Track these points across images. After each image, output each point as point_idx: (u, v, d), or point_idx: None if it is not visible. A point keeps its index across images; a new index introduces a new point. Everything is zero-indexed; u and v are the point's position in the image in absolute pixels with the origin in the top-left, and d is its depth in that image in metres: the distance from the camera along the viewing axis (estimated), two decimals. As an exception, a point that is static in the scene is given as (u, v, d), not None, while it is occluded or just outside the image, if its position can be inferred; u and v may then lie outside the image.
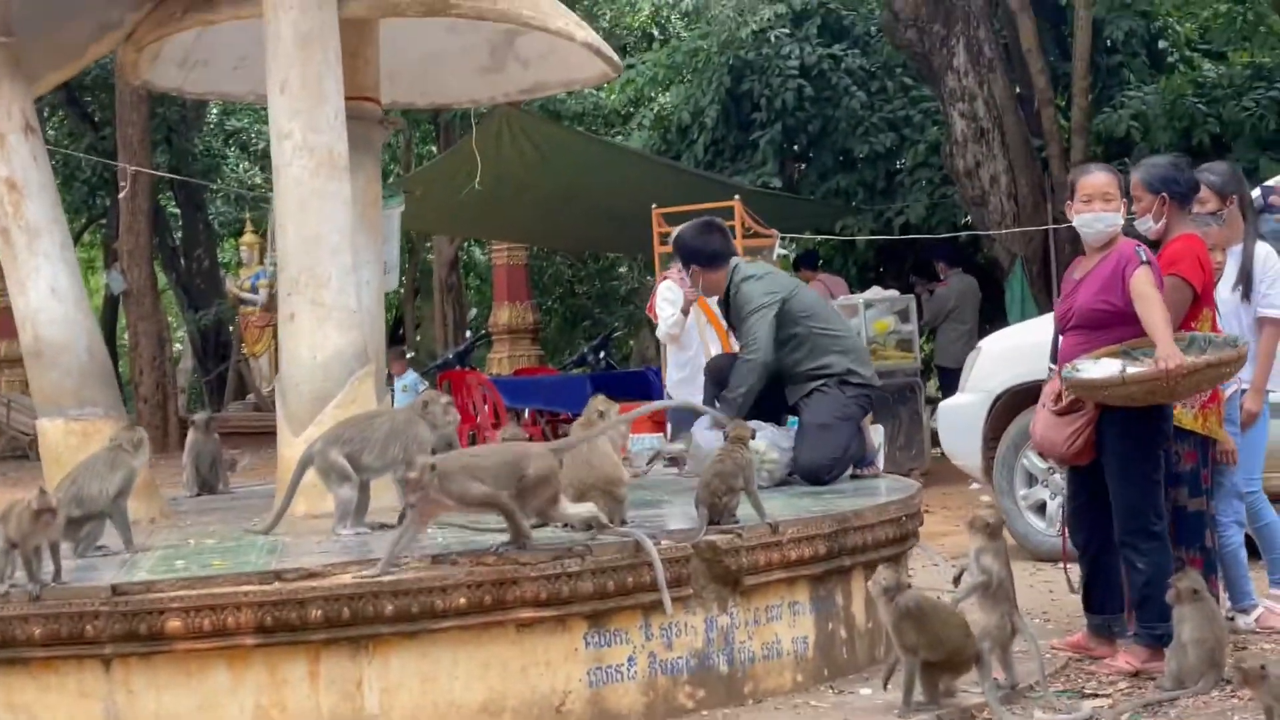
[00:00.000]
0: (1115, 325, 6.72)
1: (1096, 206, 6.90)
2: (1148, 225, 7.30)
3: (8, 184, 7.79)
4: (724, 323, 8.96)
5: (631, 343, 28.75)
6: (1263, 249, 7.72)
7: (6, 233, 7.82)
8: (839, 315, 8.74)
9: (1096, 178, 7.01)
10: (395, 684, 5.67)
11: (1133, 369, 6.55)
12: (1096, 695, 6.38)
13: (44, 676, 5.57)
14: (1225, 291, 7.64)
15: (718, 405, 8.14)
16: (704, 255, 8.50)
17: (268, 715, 5.60)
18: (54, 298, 7.82)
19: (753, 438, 6.85)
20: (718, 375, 8.69)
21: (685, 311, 10.73)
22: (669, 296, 10.95)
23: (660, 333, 11.18)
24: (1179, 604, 6.38)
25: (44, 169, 7.93)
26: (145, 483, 7.94)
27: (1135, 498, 6.73)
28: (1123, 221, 6.90)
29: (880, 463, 8.51)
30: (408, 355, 19.58)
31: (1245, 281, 7.66)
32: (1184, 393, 6.65)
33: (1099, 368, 6.66)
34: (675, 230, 8.80)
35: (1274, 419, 7.95)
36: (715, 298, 8.94)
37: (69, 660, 5.55)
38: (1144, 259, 6.67)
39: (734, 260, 8.55)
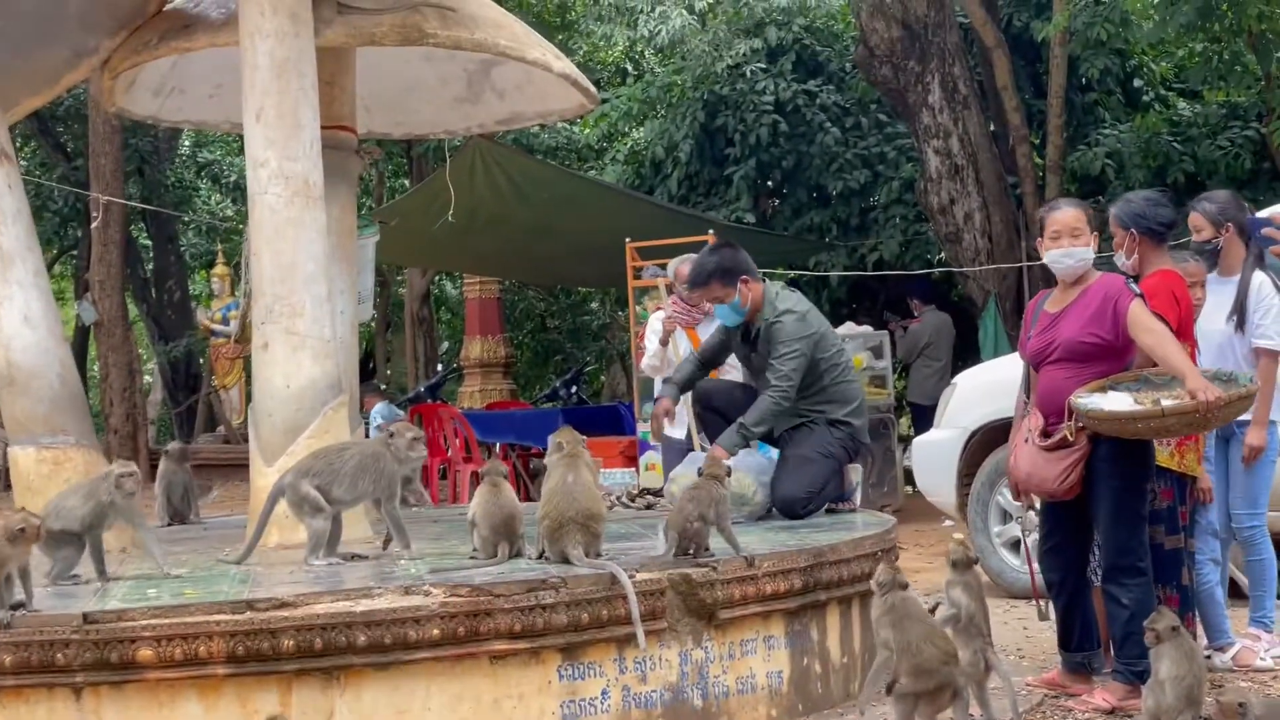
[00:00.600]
0: (1103, 359, 6.72)
1: (1065, 242, 6.90)
2: (1121, 260, 7.32)
3: (-18, 210, 7.75)
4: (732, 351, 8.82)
5: (603, 378, 28.73)
6: (1258, 279, 7.69)
7: (-20, 259, 7.77)
8: (844, 353, 8.66)
9: (1065, 213, 7.01)
10: (367, 715, 5.63)
11: (1167, 401, 6.51)
12: (1073, 731, 6.37)
13: (13, 705, 5.51)
14: (1220, 322, 7.64)
15: (736, 433, 8.10)
16: (749, 265, 8.41)
17: (239, 747, 5.55)
18: (27, 325, 7.77)
19: (729, 475, 6.79)
20: (707, 400, 8.65)
21: (664, 343, 10.64)
22: (657, 329, 10.85)
23: (644, 364, 11.09)
24: (1158, 643, 6.35)
25: (19, 196, 7.88)
26: (117, 512, 7.91)
27: (1124, 534, 6.73)
28: (1093, 256, 6.89)
29: (857, 499, 8.49)
30: (380, 388, 19.52)
31: (1240, 312, 7.65)
32: (1216, 423, 6.67)
33: (1110, 401, 6.64)
34: (693, 270, 8.64)
35: None
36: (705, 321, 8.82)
37: (39, 689, 5.49)
38: (1136, 291, 6.69)
39: (769, 284, 8.46)
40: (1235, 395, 6.52)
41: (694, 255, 10.62)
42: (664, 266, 14.67)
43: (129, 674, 5.48)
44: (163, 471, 9.61)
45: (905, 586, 6.10)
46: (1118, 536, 6.74)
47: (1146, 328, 6.63)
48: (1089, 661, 7.01)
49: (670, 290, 11.03)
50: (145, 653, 5.46)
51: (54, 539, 6.28)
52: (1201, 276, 7.59)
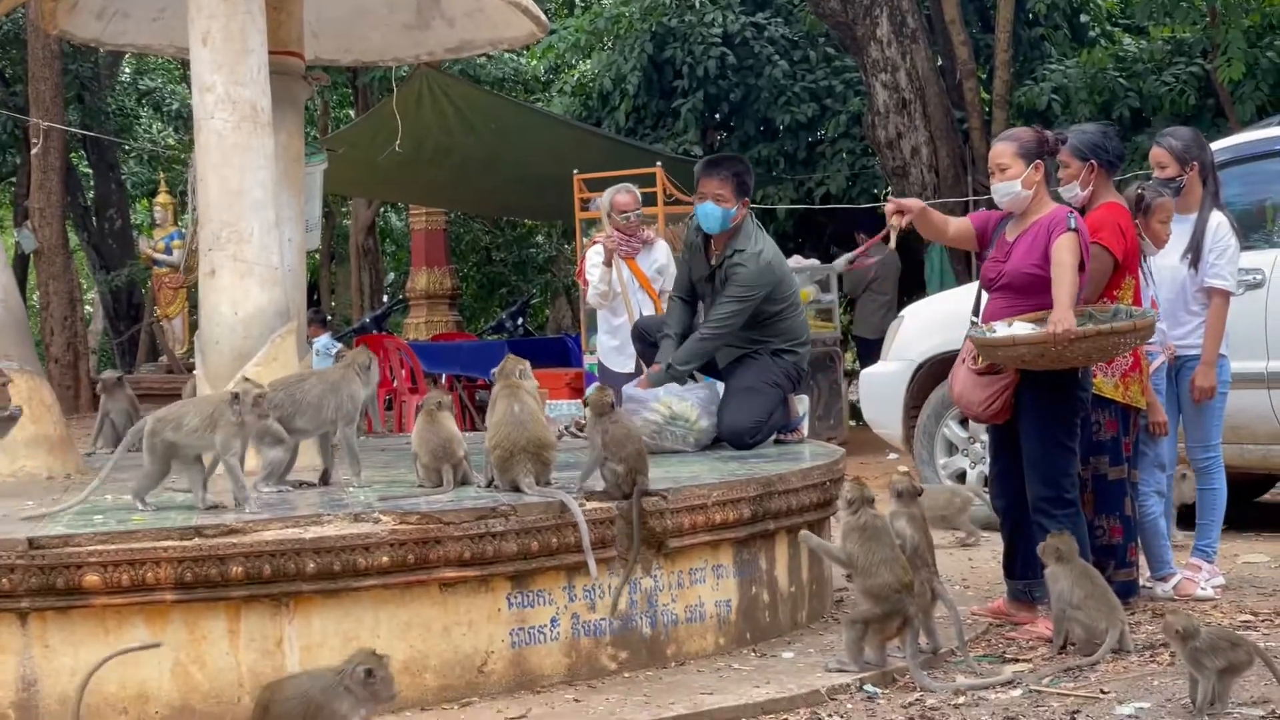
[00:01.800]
0: (1042, 291, 6.72)
1: (996, 177, 6.92)
2: (1074, 192, 7.30)
3: (-77, 134, 7.66)
4: (655, 282, 8.75)
5: (548, 311, 28.70)
6: (1215, 218, 7.72)
7: (-78, 184, 7.68)
8: (798, 292, 8.63)
9: (994, 149, 7.06)
10: (316, 642, 5.61)
11: (1020, 331, 6.58)
12: (1017, 660, 6.41)
13: (-40, 631, 5.48)
14: (1174, 259, 7.67)
15: (664, 372, 8.11)
16: (751, 193, 8.39)
17: (186, 672, 5.52)
18: (-32, 250, 7.69)
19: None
20: (644, 335, 8.65)
21: (607, 263, 10.55)
22: (597, 261, 10.78)
23: (590, 295, 11.01)
24: (1050, 565, 6.43)
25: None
26: (61, 439, 7.87)
27: (1050, 464, 6.77)
28: (1020, 189, 6.84)
29: (804, 430, 8.50)
30: (326, 319, 19.44)
31: (1195, 250, 7.67)
32: (1073, 360, 6.61)
33: (1009, 331, 6.68)
34: (714, 160, 8.52)
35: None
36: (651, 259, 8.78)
37: (-15, 616, 5.46)
38: (1071, 225, 6.66)
39: (750, 219, 8.37)
40: (1093, 330, 6.53)
41: (629, 185, 10.62)
42: (607, 198, 14.67)
43: (75, 599, 5.45)
44: (103, 401, 9.56)
45: (873, 502, 6.14)
46: (1043, 467, 6.79)
47: (1056, 261, 6.64)
48: (1030, 590, 7.05)
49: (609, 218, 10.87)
50: (92, 578, 5.42)
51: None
52: (1172, 212, 7.58)
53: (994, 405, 6.88)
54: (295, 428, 6.69)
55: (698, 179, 8.36)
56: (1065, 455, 6.78)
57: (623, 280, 10.54)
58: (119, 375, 10.12)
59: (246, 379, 6.59)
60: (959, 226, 7.21)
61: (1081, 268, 6.67)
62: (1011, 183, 6.86)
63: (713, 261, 8.30)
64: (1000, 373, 6.81)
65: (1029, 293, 6.77)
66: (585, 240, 14.81)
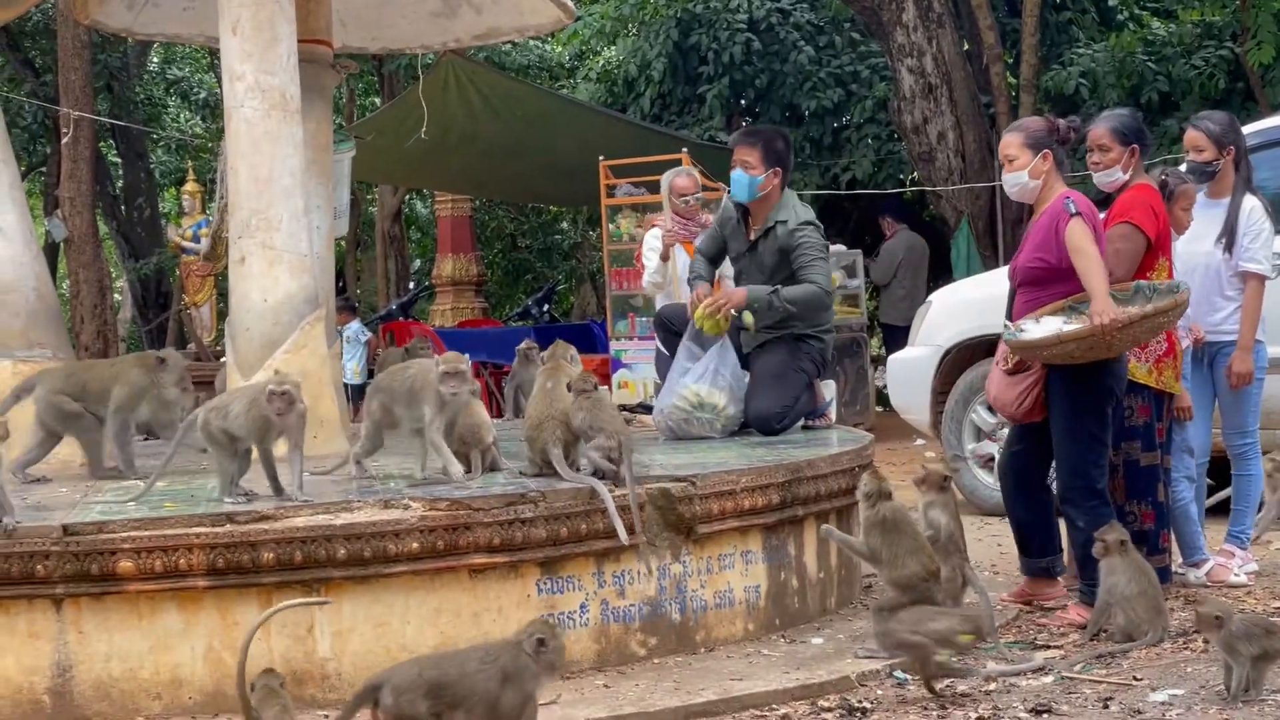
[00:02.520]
0: (1055, 282, 6.74)
1: (1006, 169, 6.96)
2: (1115, 177, 7.27)
3: (-44, 124, 7.70)
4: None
5: (573, 298, 28.70)
6: (1249, 202, 7.69)
7: (-45, 173, 7.73)
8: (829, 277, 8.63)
9: (1003, 139, 7.07)
10: (347, 628, 5.64)
11: (1069, 327, 6.56)
12: (1048, 647, 6.41)
13: (-6, 617, 5.52)
14: (1208, 244, 7.65)
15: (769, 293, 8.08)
16: (789, 167, 8.37)
17: (219, 658, 5.55)
18: (3, 238, 7.75)
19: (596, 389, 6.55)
20: (667, 324, 8.65)
21: (664, 257, 10.46)
22: (655, 245, 10.58)
23: (645, 282, 10.92)
24: (1107, 556, 6.42)
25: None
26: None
27: (1079, 456, 6.76)
28: (1028, 179, 6.85)
29: (832, 415, 8.50)
30: (354, 306, 19.48)
31: (1229, 235, 7.65)
32: (1122, 346, 6.64)
33: (1040, 327, 6.68)
34: (749, 130, 8.50)
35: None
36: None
37: (19, 600, 5.49)
38: (1072, 211, 6.64)
39: (790, 192, 8.37)
40: (1138, 315, 6.52)
41: (688, 169, 10.52)
42: (638, 185, 14.67)
43: (109, 585, 5.49)
44: None
45: (890, 496, 6.13)
46: (1072, 458, 6.79)
47: (1076, 249, 6.62)
48: (1051, 566, 7.08)
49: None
50: (125, 564, 5.46)
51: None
52: (1194, 199, 7.58)
53: (1025, 403, 6.89)
54: (393, 418, 6.56)
55: (733, 148, 8.38)
56: (1095, 446, 6.77)
57: (677, 268, 10.37)
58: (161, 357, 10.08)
59: (277, 371, 6.60)
60: None
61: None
62: (1019, 173, 6.87)
63: (752, 235, 8.29)
64: (1028, 369, 6.82)
65: (1044, 284, 6.78)
66: (611, 225, 14.84)
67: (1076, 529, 6.82)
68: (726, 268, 8.78)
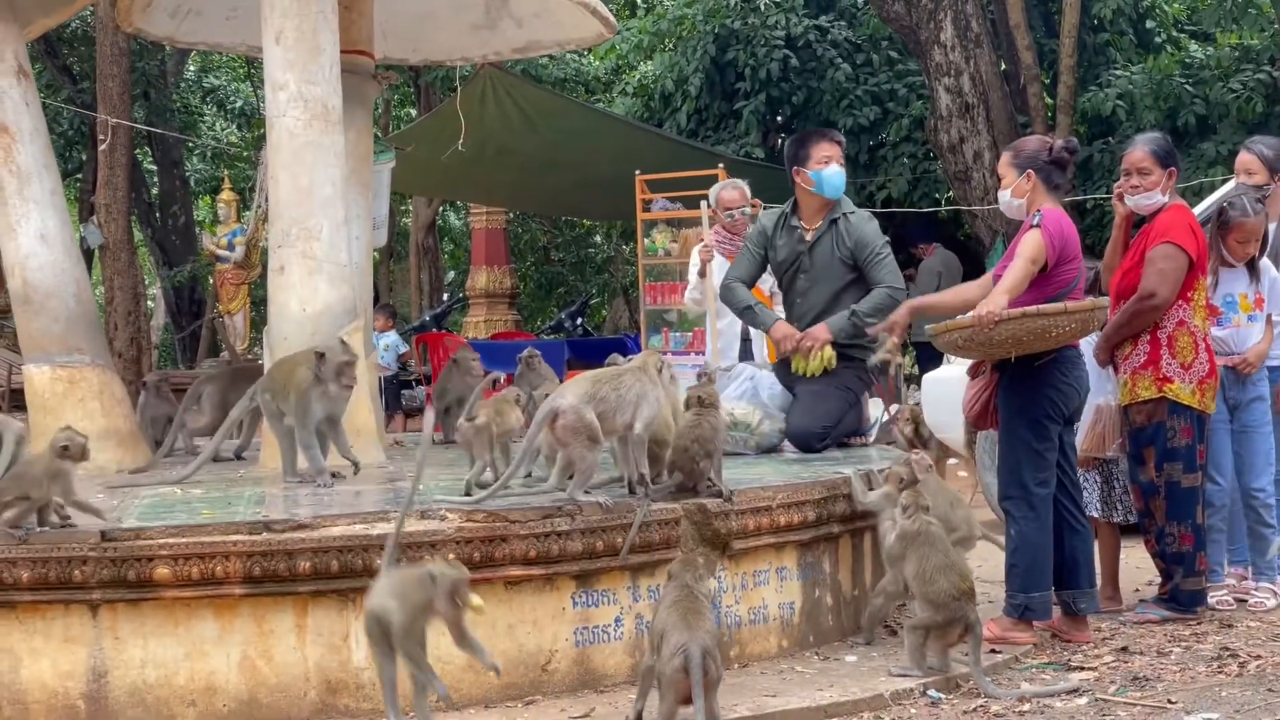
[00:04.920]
0: (1029, 290, 6.73)
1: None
2: (1155, 199, 7.30)
3: (-1, 127, 7.74)
4: (763, 282, 8.63)
5: (605, 311, 28.72)
6: None
7: (-2, 177, 7.77)
8: None
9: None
10: (382, 638, 5.64)
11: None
12: (1083, 668, 6.38)
13: (31, 620, 5.54)
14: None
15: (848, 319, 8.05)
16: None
17: (254, 666, 5.57)
18: (43, 244, 7.79)
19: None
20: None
21: (702, 273, 10.26)
22: (695, 262, 10.41)
23: (686, 298, 10.82)
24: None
25: (36, 114, 7.87)
26: (131, 432, 7.95)
27: (1014, 463, 6.82)
28: (1010, 198, 6.94)
29: (872, 435, 8.46)
30: (395, 312, 19.52)
31: (1274, 259, 7.70)
32: (1001, 342, 6.61)
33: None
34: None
35: None
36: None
37: (56, 605, 5.51)
38: (1034, 222, 6.74)
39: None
40: (1018, 313, 6.54)
41: (737, 181, 10.41)
42: (673, 200, 14.66)
43: (146, 592, 5.51)
44: (142, 403, 9.38)
45: (928, 509, 6.14)
46: (1008, 464, 6.86)
47: (1018, 253, 6.74)
48: (1074, 601, 6.99)
49: (713, 218, 10.63)
50: (162, 571, 5.48)
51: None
52: (1252, 234, 7.58)
53: (974, 408, 7.07)
54: (611, 426, 6.10)
55: (801, 149, 8.32)
56: (1031, 457, 6.78)
57: (715, 284, 10.25)
58: (162, 375, 10.07)
59: (343, 340, 6.62)
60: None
61: (1045, 268, 6.72)
62: (1004, 192, 6.97)
63: (810, 236, 8.26)
64: (981, 376, 6.90)
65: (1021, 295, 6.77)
66: (647, 240, 14.83)
67: (1009, 535, 6.85)
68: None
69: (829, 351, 8.02)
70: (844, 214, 8.16)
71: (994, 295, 6.63)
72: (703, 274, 10.18)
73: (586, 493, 5.99)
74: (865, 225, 8.13)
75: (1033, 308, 6.57)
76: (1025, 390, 6.78)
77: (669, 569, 5.59)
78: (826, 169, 8.19)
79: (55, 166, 8.09)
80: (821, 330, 8.04)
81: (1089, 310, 6.63)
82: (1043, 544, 6.76)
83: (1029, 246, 6.69)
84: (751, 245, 8.54)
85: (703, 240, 10.42)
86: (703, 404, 6.34)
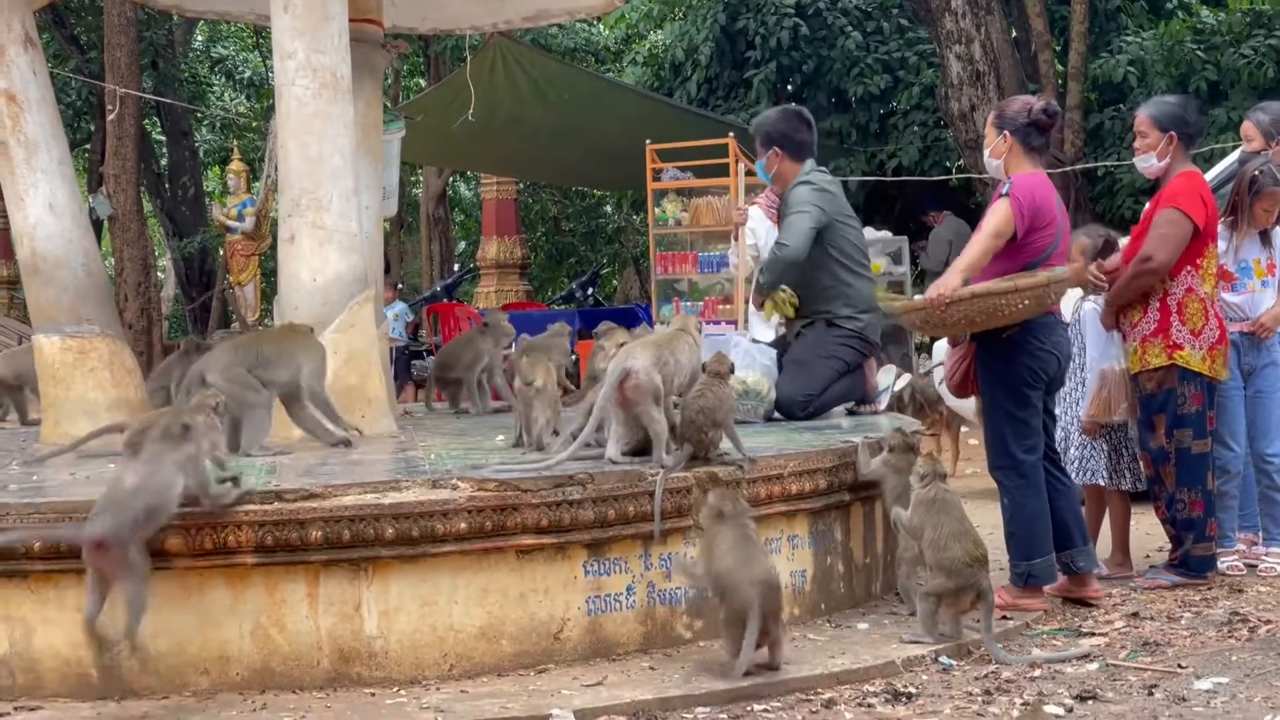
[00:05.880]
0: (1001, 258, 6.74)
1: None
2: (1149, 163, 7.32)
3: (6, 96, 7.74)
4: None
5: (616, 281, 28.70)
6: None
7: (5, 146, 7.78)
8: (867, 262, 8.56)
9: None
10: (394, 607, 5.64)
11: (918, 298, 6.82)
12: (1093, 634, 6.38)
13: (42, 590, 5.54)
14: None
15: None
16: (792, 142, 8.34)
17: (267, 635, 5.57)
18: (51, 213, 7.78)
19: (731, 372, 6.67)
20: None
21: (735, 236, 10.26)
22: (753, 226, 10.20)
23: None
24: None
25: (44, 83, 7.86)
26: (142, 402, 7.96)
27: (999, 433, 6.83)
28: (990, 158, 6.99)
29: (883, 403, 8.45)
30: (398, 286, 19.53)
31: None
32: (955, 323, 6.68)
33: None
34: (758, 119, 8.59)
35: None
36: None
37: (68, 574, 5.50)
38: (1004, 191, 6.73)
39: (810, 163, 8.38)
40: (968, 294, 6.56)
41: None
42: (684, 169, 14.65)
43: (158, 562, 5.47)
44: (167, 364, 9.38)
45: (944, 477, 6.14)
46: (992, 434, 6.88)
47: (980, 227, 6.79)
48: (1072, 561, 6.99)
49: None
50: (174, 541, 5.47)
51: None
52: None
53: (955, 376, 7.04)
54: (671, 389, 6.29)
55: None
56: (1013, 425, 6.78)
57: (743, 249, 10.18)
58: (196, 341, 10.09)
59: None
60: None
61: (1014, 237, 6.69)
62: (985, 152, 7.05)
63: (777, 213, 8.51)
64: (961, 344, 6.96)
65: (993, 260, 6.76)
66: (657, 210, 14.81)
67: (1003, 505, 6.86)
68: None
69: (781, 295, 8.23)
70: (791, 188, 8.27)
71: (949, 274, 6.66)
72: (736, 237, 10.18)
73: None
74: (795, 191, 8.22)
75: (981, 286, 6.57)
76: (1001, 360, 6.77)
77: (718, 508, 5.71)
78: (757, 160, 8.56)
79: (63, 136, 8.09)
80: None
81: (1043, 285, 6.58)
82: (1037, 510, 6.76)
83: (993, 219, 6.68)
84: None
85: (756, 204, 10.38)
86: (710, 374, 6.35)
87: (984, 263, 6.68)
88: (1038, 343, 6.73)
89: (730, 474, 6.18)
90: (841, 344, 8.15)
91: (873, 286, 8.51)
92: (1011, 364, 6.75)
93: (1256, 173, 7.51)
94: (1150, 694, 5.43)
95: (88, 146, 26.58)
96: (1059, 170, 13.81)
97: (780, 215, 8.37)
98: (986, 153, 7.01)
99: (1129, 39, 17.84)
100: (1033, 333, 6.70)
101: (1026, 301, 6.55)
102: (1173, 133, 7.25)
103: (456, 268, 25.71)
